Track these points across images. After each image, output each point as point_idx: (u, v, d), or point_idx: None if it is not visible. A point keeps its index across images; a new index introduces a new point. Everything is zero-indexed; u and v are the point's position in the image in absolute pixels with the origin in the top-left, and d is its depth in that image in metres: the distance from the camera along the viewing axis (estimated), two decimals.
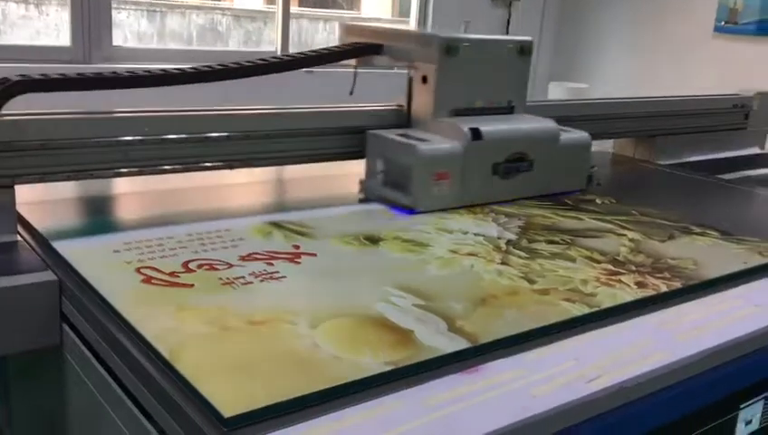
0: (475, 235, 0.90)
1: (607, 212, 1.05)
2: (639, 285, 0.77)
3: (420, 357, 0.58)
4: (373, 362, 0.57)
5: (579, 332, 0.67)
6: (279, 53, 3.10)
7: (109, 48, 2.72)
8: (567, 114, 1.31)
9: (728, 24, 3.30)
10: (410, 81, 1.10)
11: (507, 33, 3.45)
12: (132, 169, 0.95)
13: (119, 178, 0.98)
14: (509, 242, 0.88)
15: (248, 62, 1.04)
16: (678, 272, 0.82)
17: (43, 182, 0.90)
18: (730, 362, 0.69)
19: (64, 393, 0.75)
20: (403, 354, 0.58)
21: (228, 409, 0.49)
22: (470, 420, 0.51)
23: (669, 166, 1.54)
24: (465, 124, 1.02)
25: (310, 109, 1.09)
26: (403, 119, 1.12)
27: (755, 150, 1.81)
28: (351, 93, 1.19)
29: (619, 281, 0.78)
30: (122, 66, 2.68)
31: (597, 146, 1.64)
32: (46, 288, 0.72)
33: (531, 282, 0.76)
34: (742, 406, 0.72)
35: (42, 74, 0.91)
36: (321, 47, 1.13)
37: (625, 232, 0.95)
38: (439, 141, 1.01)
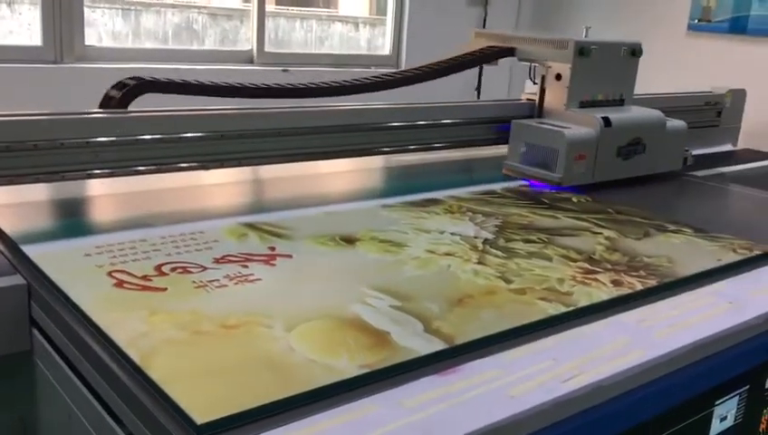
0: (452, 234, 0.90)
1: (583, 210, 1.05)
2: (615, 283, 0.77)
3: (396, 359, 0.57)
4: (349, 364, 0.56)
5: (555, 331, 0.67)
6: (255, 51, 3.07)
7: (81, 47, 2.68)
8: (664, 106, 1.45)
9: (702, 22, 3.33)
10: (543, 78, 1.32)
11: (484, 26, 3.45)
12: (105, 171, 0.94)
13: (91, 181, 0.96)
14: (486, 241, 0.88)
15: (400, 72, 1.29)
16: (654, 270, 0.82)
17: (11, 185, 0.88)
18: (705, 359, 0.69)
19: (36, 399, 0.73)
20: (379, 356, 0.58)
21: (201, 415, 0.48)
22: (447, 421, 0.51)
23: None
24: (596, 114, 1.22)
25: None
26: (534, 110, 1.34)
27: (728, 147, 1.83)
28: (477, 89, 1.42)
29: (595, 279, 0.78)
30: (94, 66, 2.64)
31: None
32: (15, 292, 0.70)
33: (507, 281, 0.75)
34: (717, 402, 0.72)
35: (152, 77, 1.01)
36: (462, 54, 1.35)
37: (601, 230, 0.96)
38: (577, 128, 1.20)
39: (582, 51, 1.25)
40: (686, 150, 1.37)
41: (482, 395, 0.55)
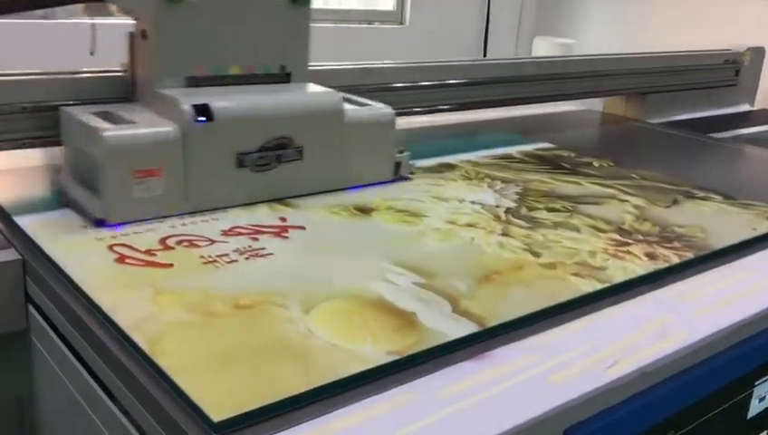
0: (472, 203, 0.85)
1: (606, 176, 1.00)
2: (649, 256, 0.72)
3: (426, 344, 0.53)
4: (374, 350, 0.51)
5: (591, 310, 0.62)
6: None
7: None
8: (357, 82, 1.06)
9: None
10: (132, 37, 0.81)
11: None
12: None
13: None
14: (508, 210, 0.83)
15: None
16: (688, 241, 0.77)
17: (2, 151, 0.83)
18: (747, 338, 0.65)
19: (34, 380, 0.69)
20: (407, 341, 0.53)
21: (218, 411, 0.43)
22: (489, 413, 0.47)
23: (661, 125, 1.49)
24: (191, 98, 0.74)
25: None
26: (127, 89, 0.84)
27: (745, 107, 1.77)
28: (92, 54, 0.98)
29: (628, 252, 0.73)
30: (82, 21, 2.55)
31: (586, 105, 1.60)
32: (9, 268, 0.65)
33: (535, 255, 0.71)
34: (756, 383, 0.68)
35: None
36: None
37: (627, 198, 0.91)
38: (148, 123, 0.74)
39: None
40: (401, 151, 0.91)
41: (521, 384, 0.50)
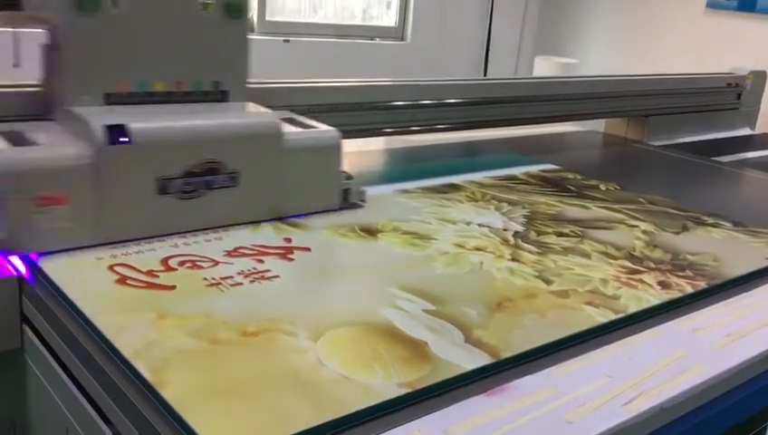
0: (480, 226, 0.83)
1: (613, 200, 0.99)
2: (663, 285, 0.71)
3: (439, 376, 0.51)
4: (385, 382, 0.49)
5: (605, 341, 0.60)
6: (255, 20, 2.97)
7: None
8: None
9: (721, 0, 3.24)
10: (45, 49, 0.75)
11: (492, 5, 3.33)
12: None
13: None
14: (517, 234, 0.81)
15: None
16: (700, 270, 0.76)
17: None
18: (764, 371, 0.63)
19: (28, 402, 0.67)
20: (419, 373, 0.51)
21: None
22: None
23: (663, 147, 1.48)
24: (107, 117, 0.68)
25: None
26: (45, 106, 0.77)
27: (746, 131, 1.77)
28: (16, 66, 0.91)
29: (641, 281, 0.71)
30: None
31: (586, 125, 1.59)
32: (4, 286, 0.63)
33: (547, 282, 0.69)
34: None
35: None
36: None
37: (636, 223, 0.89)
38: (52, 146, 0.67)
39: (83, 1, 0.71)
40: (348, 177, 0.85)
41: (536, 420, 0.48)
